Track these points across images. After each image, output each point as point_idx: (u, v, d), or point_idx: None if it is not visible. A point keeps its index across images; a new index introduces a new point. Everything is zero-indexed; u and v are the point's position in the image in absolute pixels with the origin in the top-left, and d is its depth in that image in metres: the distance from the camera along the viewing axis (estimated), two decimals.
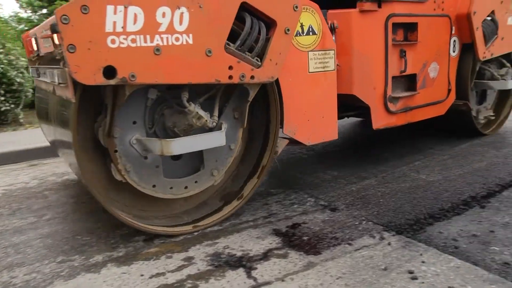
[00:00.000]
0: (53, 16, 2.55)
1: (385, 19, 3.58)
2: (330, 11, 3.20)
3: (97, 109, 2.41)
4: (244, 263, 2.22)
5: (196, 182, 2.69)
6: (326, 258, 2.25)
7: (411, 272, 2.06)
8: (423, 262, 2.16)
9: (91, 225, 2.84)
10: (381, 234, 2.50)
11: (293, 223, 2.70)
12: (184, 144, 2.36)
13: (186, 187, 2.66)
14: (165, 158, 2.59)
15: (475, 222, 2.61)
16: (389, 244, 2.37)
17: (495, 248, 2.27)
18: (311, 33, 2.99)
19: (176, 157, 2.66)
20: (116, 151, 2.36)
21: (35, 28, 3.28)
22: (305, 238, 2.49)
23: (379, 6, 3.53)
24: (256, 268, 2.16)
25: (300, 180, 3.67)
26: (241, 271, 2.15)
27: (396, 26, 3.67)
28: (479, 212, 2.76)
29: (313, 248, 2.36)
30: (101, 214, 2.93)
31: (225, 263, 2.24)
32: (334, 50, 3.14)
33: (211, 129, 2.55)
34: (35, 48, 3.18)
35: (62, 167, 4.46)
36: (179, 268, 2.20)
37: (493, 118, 4.73)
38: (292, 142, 3.07)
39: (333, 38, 3.16)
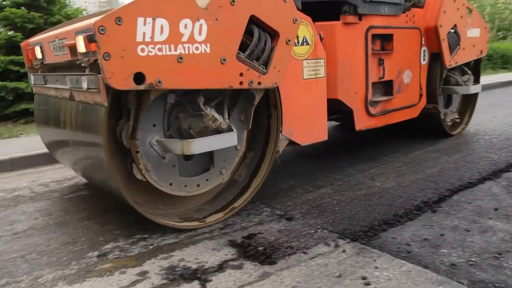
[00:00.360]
0: (69, 27, 2.71)
1: (365, 30, 3.93)
2: (316, 23, 3.50)
3: (114, 113, 2.56)
4: (199, 275, 2.21)
5: (207, 180, 2.89)
6: (281, 267, 2.25)
7: (364, 278, 2.10)
8: (376, 267, 2.20)
9: (43, 242, 2.74)
10: (336, 242, 2.52)
11: (249, 234, 2.68)
12: (203, 144, 2.56)
13: (198, 185, 2.85)
14: (179, 158, 2.78)
15: (427, 226, 2.70)
16: (343, 251, 2.40)
17: (444, 250, 2.36)
18: (305, 44, 3.29)
19: (188, 157, 2.85)
20: (138, 151, 2.53)
21: (39, 37, 3.38)
22: (260, 248, 2.47)
23: (360, 19, 3.88)
24: (211, 280, 2.15)
25: None
26: (196, 283, 2.13)
27: (374, 37, 4.04)
28: (430, 217, 2.85)
29: (268, 258, 2.35)
30: (54, 231, 2.89)
31: (180, 276, 2.21)
32: (324, 59, 3.45)
33: (220, 131, 2.77)
34: (39, 56, 3.29)
35: (14, 182, 4.23)
36: (133, 284, 2.16)
37: (458, 120, 5.21)
38: (290, 142, 3.34)
39: None
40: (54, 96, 3.06)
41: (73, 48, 2.53)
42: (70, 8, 8.80)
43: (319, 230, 2.71)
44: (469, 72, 5.06)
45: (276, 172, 3.98)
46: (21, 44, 3.64)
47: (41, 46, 3.23)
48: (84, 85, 2.34)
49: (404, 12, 4.25)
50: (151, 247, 2.58)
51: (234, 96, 2.90)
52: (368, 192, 3.40)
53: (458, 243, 2.45)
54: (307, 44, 3.31)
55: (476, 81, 5.30)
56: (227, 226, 2.84)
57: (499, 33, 22.18)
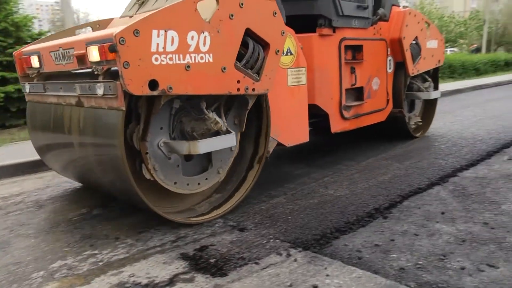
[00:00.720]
0: (76, 37, 2.89)
1: (339, 42, 4.33)
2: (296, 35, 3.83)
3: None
4: None
5: (206, 179, 3.13)
6: (233, 279, 2.24)
7: (315, 286, 2.13)
8: (327, 275, 2.23)
9: None
10: (288, 251, 2.53)
11: (201, 246, 2.66)
12: (207, 144, 2.81)
13: (199, 184, 3.09)
14: (181, 159, 3.00)
15: (378, 232, 2.75)
16: (295, 260, 2.42)
17: (394, 255, 2.43)
18: (289, 54, 3.61)
19: (189, 158, 3.08)
20: (147, 153, 2.74)
21: (35, 47, 3.50)
22: (212, 260, 2.46)
23: (334, 31, 4.26)
24: None
25: None
26: None
27: (346, 47, 4.44)
28: (381, 223, 2.91)
29: (220, 270, 2.35)
30: None
31: None
32: (305, 67, 3.79)
33: (220, 133, 3.02)
34: (36, 65, 3.41)
35: None
36: None
37: (420, 123, 5.71)
38: (277, 144, 3.63)
39: None
40: (55, 103, 3.19)
41: (81, 58, 2.73)
42: (18, 16, 8.50)
43: (271, 240, 2.71)
44: (429, 79, 5.60)
45: None
46: (13, 53, 3.73)
47: (39, 56, 3.35)
48: (100, 92, 2.53)
49: (372, 25, 4.69)
50: (100, 263, 2.52)
51: (229, 101, 3.17)
52: (321, 200, 3.41)
53: (407, 247, 2.53)
54: (291, 54, 3.64)
55: (436, 87, 5.85)
56: (179, 239, 2.80)
57: (447, 44, 23.80)
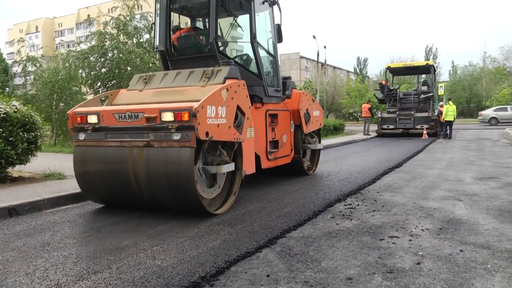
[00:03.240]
0: (147, 105, 4.94)
1: (265, 111, 6.93)
2: None
3: None
4: None
5: (214, 191, 5.26)
6: None
7: None
8: None
9: None
10: None
11: None
12: (225, 168, 5.01)
13: (211, 193, 5.20)
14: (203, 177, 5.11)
15: None
16: None
17: None
18: (248, 118, 6.06)
19: (205, 177, 5.18)
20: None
21: (92, 109, 5.27)
22: None
23: (262, 105, 6.86)
24: None
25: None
26: None
27: (269, 115, 7.07)
28: None
29: None
30: None
31: None
32: (253, 127, 6.26)
33: (226, 163, 5.21)
34: (94, 121, 5.18)
35: None
36: None
37: (310, 166, 8.57)
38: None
39: None
40: (117, 146, 5.00)
41: (151, 118, 4.74)
42: None
43: None
44: (315, 136, 8.61)
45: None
46: (67, 113, 5.39)
47: (98, 115, 5.15)
48: (176, 138, 4.56)
49: (282, 101, 7.46)
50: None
51: (224, 145, 5.43)
52: (146, 273, 3.27)
53: None
54: (247, 118, 6.09)
55: (319, 141, 8.86)
56: None
57: None
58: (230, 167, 5.22)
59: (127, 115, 4.94)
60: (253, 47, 6.38)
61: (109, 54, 13.77)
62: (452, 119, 18.78)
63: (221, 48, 6.43)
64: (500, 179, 7.47)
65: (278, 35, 7.18)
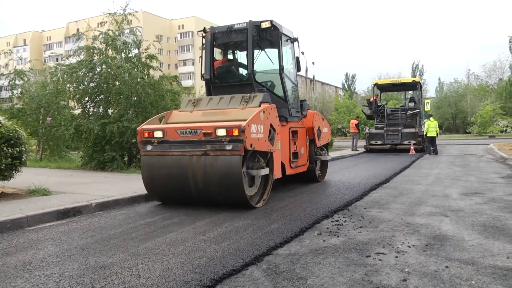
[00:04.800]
0: (204, 123, 6.51)
1: (289, 128, 8.46)
2: None
3: None
4: None
5: (253, 189, 6.75)
6: None
7: None
8: None
9: None
10: None
11: None
12: (263, 171, 6.52)
13: (252, 191, 6.69)
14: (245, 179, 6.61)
15: None
16: None
17: None
18: (277, 134, 7.58)
19: (248, 178, 6.67)
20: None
21: (158, 126, 6.81)
22: None
23: (287, 123, 8.38)
24: None
25: None
26: None
27: (292, 131, 8.59)
28: None
29: None
30: None
31: None
32: (280, 141, 7.77)
33: (262, 167, 6.71)
34: (159, 136, 6.72)
35: None
36: None
37: (320, 174, 10.06)
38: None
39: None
40: (178, 155, 6.52)
41: (207, 133, 6.28)
42: None
43: None
44: (325, 149, 10.13)
45: None
46: (137, 129, 6.95)
47: (163, 131, 6.68)
48: (228, 148, 6.09)
49: (300, 120, 9.00)
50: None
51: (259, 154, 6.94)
52: None
53: None
54: (277, 133, 7.61)
55: (327, 154, 10.38)
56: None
57: None
58: (266, 171, 6.73)
59: (188, 131, 6.47)
60: (281, 77, 7.97)
61: (98, 69, 13.37)
62: (435, 135, 18.96)
63: (256, 77, 8.01)
64: (485, 194, 7.62)
65: (297, 65, 8.77)
